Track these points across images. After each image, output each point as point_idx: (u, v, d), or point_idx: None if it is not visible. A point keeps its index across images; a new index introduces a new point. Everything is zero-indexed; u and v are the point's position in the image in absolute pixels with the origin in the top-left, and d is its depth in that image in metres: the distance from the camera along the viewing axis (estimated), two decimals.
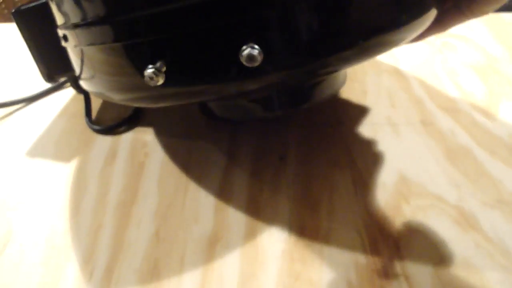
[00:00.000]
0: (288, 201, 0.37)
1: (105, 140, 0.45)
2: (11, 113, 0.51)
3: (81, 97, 0.52)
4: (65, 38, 0.31)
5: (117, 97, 0.32)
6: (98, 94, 0.33)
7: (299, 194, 0.37)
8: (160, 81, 0.26)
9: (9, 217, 0.37)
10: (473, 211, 0.35)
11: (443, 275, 0.30)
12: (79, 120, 0.49)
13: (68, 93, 0.54)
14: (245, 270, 0.31)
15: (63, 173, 0.41)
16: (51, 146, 0.45)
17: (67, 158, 0.43)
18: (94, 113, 0.49)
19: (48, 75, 0.39)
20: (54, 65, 0.38)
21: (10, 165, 0.43)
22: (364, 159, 0.40)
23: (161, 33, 0.25)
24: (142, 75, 0.26)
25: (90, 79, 0.32)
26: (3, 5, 1.79)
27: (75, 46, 0.31)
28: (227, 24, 0.24)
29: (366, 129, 0.44)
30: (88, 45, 0.29)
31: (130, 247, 0.34)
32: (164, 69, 0.26)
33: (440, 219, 0.34)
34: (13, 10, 0.35)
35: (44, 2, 0.33)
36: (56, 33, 0.33)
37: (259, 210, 0.36)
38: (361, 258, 0.32)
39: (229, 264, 0.32)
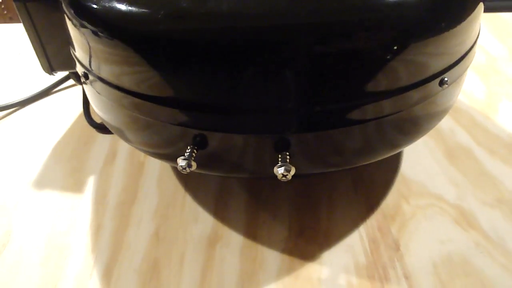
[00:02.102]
0: (288, 200, 0.37)
1: (105, 140, 0.45)
2: (9, 114, 0.51)
3: (80, 98, 0.52)
4: (86, 77, 0.31)
5: (135, 146, 0.33)
6: (114, 129, 0.33)
7: (299, 193, 0.37)
8: (193, 168, 0.27)
9: (9, 217, 0.37)
10: (473, 210, 0.35)
11: (443, 274, 0.30)
12: (79, 120, 0.49)
13: (66, 94, 0.54)
14: (245, 269, 0.31)
15: (63, 173, 0.41)
16: (51, 146, 0.45)
17: (67, 158, 0.43)
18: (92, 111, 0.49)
19: (49, 68, 0.39)
20: (56, 58, 0.38)
21: (10, 165, 0.43)
22: None
23: (204, 129, 0.26)
24: (175, 156, 0.27)
25: (109, 121, 0.33)
26: (2, 6, 1.79)
27: (98, 93, 0.30)
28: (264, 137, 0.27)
29: None
30: (118, 105, 0.29)
31: (130, 247, 0.34)
32: (195, 155, 0.27)
33: (440, 218, 0.34)
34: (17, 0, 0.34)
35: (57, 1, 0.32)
36: (61, 28, 0.32)
37: (259, 210, 0.36)
38: (361, 257, 0.32)
39: (229, 264, 0.32)
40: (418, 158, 0.40)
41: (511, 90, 0.49)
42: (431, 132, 0.42)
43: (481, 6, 0.29)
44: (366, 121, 0.27)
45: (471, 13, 0.28)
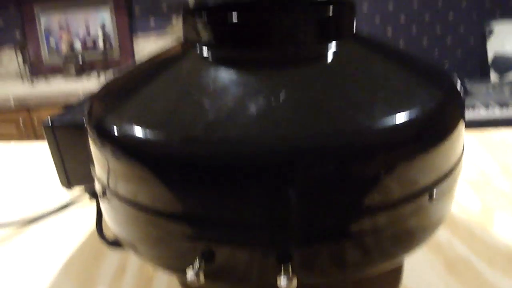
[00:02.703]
0: None
1: (115, 255, 0.46)
2: (25, 229, 0.53)
3: (92, 214, 0.54)
4: (104, 193, 0.34)
5: (146, 259, 0.34)
6: (127, 243, 0.35)
7: None
8: (201, 280, 0.29)
9: None
10: None
11: None
12: (91, 235, 0.51)
13: (79, 211, 0.57)
14: None
15: (73, 286, 0.42)
16: (62, 261, 0.46)
17: (77, 272, 0.44)
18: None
19: (68, 183, 0.42)
20: (74, 175, 0.41)
21: (21, 278, 0.44)
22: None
23: (212, 242, 0.29)
24: (184, 268, 0.29)
25: (122, 235, 0.35)
26: (21, 125, 1.89)
27: (114, 209, 0.33)
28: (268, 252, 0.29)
29: None
30: (133, 220, 0.31)
31: None
32: (203, 267, 0.29)
33: None
34: (46, 125, 0.38)
35: (80, 127, 0.36)
36: (82, 147, 0.36)
37: None
38: None
39: None
40: (419, 271, 0.41)
41: (505, 202, 0.51)
42: (431, 245, 0.44)
43: (462, 124, 0.33)
44: (363, 234, 0.29)
45: (452, 133, 0.31)
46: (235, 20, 0.31)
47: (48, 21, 2.25)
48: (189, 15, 0.34)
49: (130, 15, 2.27)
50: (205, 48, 0.33)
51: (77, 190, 0.53)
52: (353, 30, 0.36)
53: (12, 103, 1.90)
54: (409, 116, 0.28)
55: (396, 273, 0.41)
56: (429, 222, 0.32)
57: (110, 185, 0.32)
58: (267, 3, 0.33)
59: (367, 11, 2.27)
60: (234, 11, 0.31)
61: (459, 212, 0.50)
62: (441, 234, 0.45)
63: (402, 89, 0.31)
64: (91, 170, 0.36)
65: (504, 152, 0.64)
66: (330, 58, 0.32)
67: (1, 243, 0.50)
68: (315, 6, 0.36)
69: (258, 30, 0.32)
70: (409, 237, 0.32)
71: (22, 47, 2.08)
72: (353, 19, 0.35)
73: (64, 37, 2.26)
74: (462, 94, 0.35)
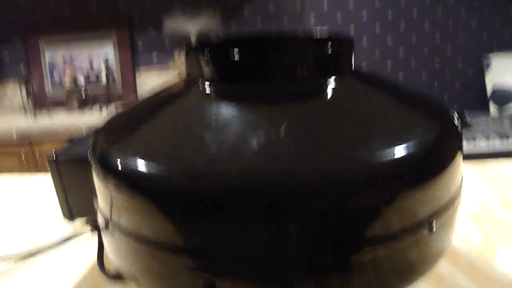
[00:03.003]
0: None
1: None
2: (25, 262, 0.53)
3: (94, 247, 0.54)
4: (106, 226, 0.34)
5: None
6: (128, 275, 0.36)
7: None
8: None
9: None
10: None
11: None
12: (91, 269, 0.50)
13: (80, 245, 0.57)
14: None
15: None
16: None
17: None
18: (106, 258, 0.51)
19: (70, 215, 0.42)
20: (77, 207, 0.41)
21: None
22: None
23: (214, 274, 0.29)
24: None
25: (124, 267, 0.35)
26: (23, 158, 1.90)
27: (117, 240, 0.33)
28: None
29: None
30: (135, 252, 0.32)
31: None
32: None
33: None
34: (50, 159, 0.39)
35: (84, 161, 0.37)
36: (84, 180, 0.36)
37: None
38: None
39: None
40: None
41: (506, 235, 0.51)
42: (432, 277, 0.44)
43: (460, 156, 0.33)
44: (363, 265, 0.29)
45: (451, 165, 0.32)
46: (236, 56, 0.32)
47: (53, 55, 2.29)
48: (191, 51, 0.36)
49: (133, 50, 2.31)
50: (207, 84, 0.34)
51: (79, 222, 0.53)
52: (352, 66, 0.37)
53: (14, 136, 1.92)
54: (407, 149, 0.29)
55: None
56: (429, 254, 0.33)
57: (113, 217, 0.32)
58: (267, 40, 0.34)
59: (366, 45, 2.31)
60: (236, 48, 0.32)
61: (460, 244, 0.49)
62: (443, 266, 0.45)
63: (400, 123, 0.32)
64: (94, 202, 0.37)
65: (505, 184, 0.65)
66: (329, 93, 0.33)
67: (1, 277, 0.50)
68: (315, 43, 0.37)
69: (259, 67, 0.33)
70: (409, 269, 0.32)
71: (26, 81, 2.10)
72: (352, 55, 0.36)
73: (68, 71, 2.30)
74: (459, 127, 0.35)
